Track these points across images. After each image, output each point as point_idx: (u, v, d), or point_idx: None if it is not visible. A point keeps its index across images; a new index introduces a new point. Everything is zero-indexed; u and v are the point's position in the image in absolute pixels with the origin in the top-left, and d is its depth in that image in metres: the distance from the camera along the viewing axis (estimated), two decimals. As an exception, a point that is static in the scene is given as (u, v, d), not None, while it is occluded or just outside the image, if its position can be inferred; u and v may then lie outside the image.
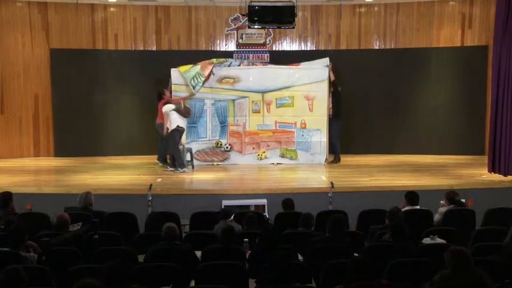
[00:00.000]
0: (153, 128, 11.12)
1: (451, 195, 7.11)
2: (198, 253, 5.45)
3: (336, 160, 11.31)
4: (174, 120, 10.16)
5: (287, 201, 7.40)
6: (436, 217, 6.97)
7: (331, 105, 11.19)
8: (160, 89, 11.06)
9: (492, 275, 4.28)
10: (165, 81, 11.27)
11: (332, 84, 11.20)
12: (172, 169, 10.30)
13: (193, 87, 10.99)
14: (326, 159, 11.40)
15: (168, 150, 10.39)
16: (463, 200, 7.78)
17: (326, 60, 11.27)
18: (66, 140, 12.47)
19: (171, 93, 10.96)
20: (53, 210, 6.70)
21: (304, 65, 11.36)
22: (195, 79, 11.04)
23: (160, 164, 10.90)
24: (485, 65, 11.87)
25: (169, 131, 10.16)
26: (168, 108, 10.26)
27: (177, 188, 9.18)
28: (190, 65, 11.21)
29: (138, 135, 12.51)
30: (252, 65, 11.71)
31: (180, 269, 4.79)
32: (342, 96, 11.24)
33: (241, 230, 6.36)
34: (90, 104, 12.50)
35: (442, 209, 7.01)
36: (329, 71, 11.18)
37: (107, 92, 12.58)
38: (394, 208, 6.33)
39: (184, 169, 10.21)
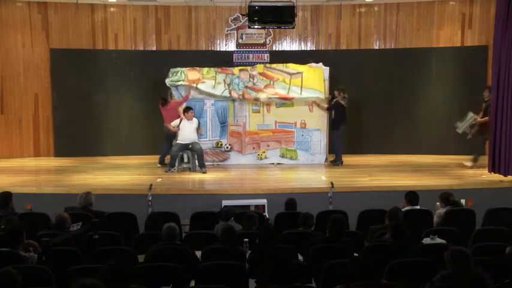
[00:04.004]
0: (153, 128, 11.10)
1: (446, 197, 7.11)
2: (198, 253, 5.45)
3: (338, 162, 11.19)
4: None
5: (290, 201, 7.40)
6: (435, 220, 6.96)
7: (333, 116, 11.03)
8: (164, 95, 11.01)
9: (492, 275, 4.28)
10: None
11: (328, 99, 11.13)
12: (173, 169, 10.32)
13: (168, 77, 10.99)
14: (326, 159, 11.40)
15: (201, 152, 10.40)
16: (463, 201, 7.80)
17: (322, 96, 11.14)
18: (66, 140, 12.48)
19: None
20: (53, 210, 6.70)
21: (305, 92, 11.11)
22: (176, 74, 11.04)
23: (159, 165, 10.94)
24: (485, 65, 11.87)
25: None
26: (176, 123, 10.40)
27: (177, 188, 9.18)
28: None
29: (138, 135, 12.51)
30: (253, 84, 11.19)
31: (180, 269, 4.79)
32: (339, 106, 10.99)
33: (241, 230, 6.35)
34: (90, 104, 12.50)
35: (440, 211, 7.01)
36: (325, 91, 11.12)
37: (107, 92, 12.58)
38: (394, 208, 6.33)
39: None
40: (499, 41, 9.14)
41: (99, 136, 12.60)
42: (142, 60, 12.57)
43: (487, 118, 10.07)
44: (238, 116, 11.32)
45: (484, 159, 10.21)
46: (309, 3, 12.58)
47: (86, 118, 12.48)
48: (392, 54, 12.65)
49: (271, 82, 11.19)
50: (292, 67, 11.29)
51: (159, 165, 10.96)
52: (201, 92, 11.02)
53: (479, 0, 12.23)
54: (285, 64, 11.34)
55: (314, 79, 11.13)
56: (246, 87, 11.14)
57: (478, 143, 10.50)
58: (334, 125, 10.98)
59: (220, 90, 11.05)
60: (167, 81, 10.96)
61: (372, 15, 12.79)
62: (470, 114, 10.43)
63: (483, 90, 10.82)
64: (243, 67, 11.46)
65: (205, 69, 11.16)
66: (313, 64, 11.29)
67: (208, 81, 11.08)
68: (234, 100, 11.22)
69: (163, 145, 11.09)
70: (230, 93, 11.04)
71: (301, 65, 11.28)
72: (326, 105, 11.14)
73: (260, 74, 11.24)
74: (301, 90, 11.09)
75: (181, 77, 11.02)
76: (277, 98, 11.08)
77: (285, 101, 11.21)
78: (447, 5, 12.50)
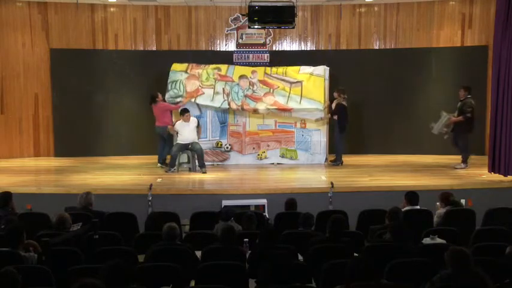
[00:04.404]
0: (153, 128, 11.09)
1: (446, 197, 7.11)
2: (198, 253, 5.45)
3: (338, 162, 11.17)
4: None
5: (290, 201, 7.39)
6: (435, 220, 6.96)
7: (336, 117, 10.95)
8: (154, 92, 11.02)
9: (492, 275, 4.28)
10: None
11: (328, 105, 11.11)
12: (172, 169, 10.35)
13: (167, 91, 10.98)
14: (326, 159, 11.40)
15: (201, 152, 10.42)
16: (463, 201, 7.79)
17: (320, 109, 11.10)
18: (66, 140, 12.47)
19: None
20: (53, 210, 6.70)
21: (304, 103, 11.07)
22: (174, 85, 11.01)
23: (159, 165, 10.93)
24: (485, 65, 11.87)
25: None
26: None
27: (177, 188, 9.18)
28: (186, 65, 11.21)
29: (138, 135, 12.51)
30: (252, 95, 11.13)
31: (180, 269, 4.79)
32: (342, 108, 10.97)
33: (241, 230, 6.36)
34: (90, 104, 12.50)
35: (440, 211, 7.01)
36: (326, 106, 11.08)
37: (107, 92, 12.58)
38: (394, 208, 6.33)
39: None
40: (499, 41, 9.15)
41: (99, 136, 12.60)
42: (142, 60, 12.57)
43: (461, 117, 10.19)
44: (238, 116, 11.32)
45: (484, 159, 10.22)
46: (309, 3, 12.58)
47: (86, 118, 12.48)
48: (393, 54, 12.64)
49: (271, 90, 11.16)
50: (292, 75, 11.19)
51: (158, 164, 10.95)
52: (200, 105, 10.98)
53: (479, 0, 12.22)
54: (284, 69, 11.26)
55: (314, 89, 11.10)
56: (246, 96, 11.08)
57: (462, 144, 10.51)
58: (340, 128, 10.91)
59: (219, 101, 11.00)
60: (167, 96, 10.94)
61: (372, 15, 12.78)
62: (444, 114, 10.52)
63: (483, 90, 10.84)
64: (243, 72, 11.29)
65: (204, 76, 11.12)
66: (316, 69, 11.22)
67: (207, 91, 11.03)
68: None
69: (160, 145, 11.09)
70: (229, 104, 11.00)
71: (302, 72, 11.20)
72: (328, 116, 11.07)
73: (260, 81, 11.19)
74: (300, 99, 11.06)
75: (179, 91, 10.96)
76: (276, 109, 11.05)
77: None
78: (447, 5, 12.50)
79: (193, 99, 10.92)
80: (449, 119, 10.40)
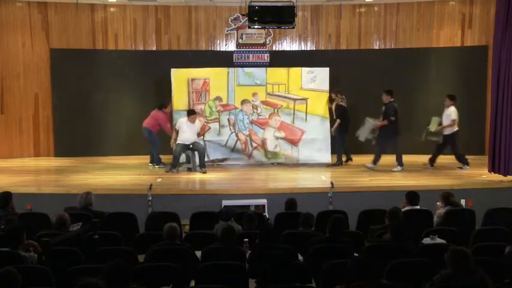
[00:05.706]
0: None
1: (447, 196, 7.11)
2: (198, 253, 5.45)
3: (338, 162, 11.19)
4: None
5: (290, 201, 7.39)
6: (435, 220, 6.96)
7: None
8: (166, 100, 11.05)
9: (492, 275, 4.28)
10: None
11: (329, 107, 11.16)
12: (174, 169, 10.34)
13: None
14: (329, 160, 11.36)
15: (203, 152, 10.47)
16: (463, 201, 7.80)
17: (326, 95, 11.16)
18: (66, 140, 12.48)
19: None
20: (53, 210, 6.70)
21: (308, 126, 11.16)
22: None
23: (157, 166, 10.93)
24: (485, 65, 11.87)
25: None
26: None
27: (177, 188, 9.18)
28: (186, 73, 11.16)
29: (138, 135, 12.47)
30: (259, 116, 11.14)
31: (180, 269, 4.79)
32: (343, 109, 11.03)
33: (241, 230, 6.35)
34: (90, 104, 12.51)
35: (440, 211, 7.01)
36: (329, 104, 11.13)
37: (107, 92, 12.58)
38: (394, 208, 6.33)
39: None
40: (499, 41, 9.15)
41: (99, 136, 12.60)
42: (142, 60, 12.57)
43: (385, 121, 10.34)
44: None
45: (484, 159, 10.21)
46: (309, 3, 12.58)
47: (86, 118, 12.48)
48: (392, 54, 12.65)
49: (275, 110, 11.17)
50: (295, 92, 11.10)
51: (156, 166, 10.93)
52: (207, 142, 10.95)
53: (479, 0, 12.24)
54: (286, 86, 11.13)
55: (319, 104, 11.11)
56: (252, 122, 11.08)
57: (393, 146, 10.57)
58: (341, 129, 10.95)
59: (226, 134, 11.02)
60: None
61: (372, 15, 12.79)
62: (369, 120, 10.60)
63: (483, 90, 10.81)
64: (244, 96, 11.12)
65: (208, 110, 11.06)
66: (318, 84, 11.15)
67: (213, 126, 11.04)
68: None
69: (154, 146, 11.08)
70: (237, 135, 11.02)
71: (305, 88, 11.13)
72: (334, 127, 11.04)
73: (263, 102, 11.15)
74: (306, 115, 11.11)
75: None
76: (284, 139, 11.08)
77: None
78: (447, 5, 12.50)
79: (201, 138, 10.83)
80: (374, 124, 10.48)
